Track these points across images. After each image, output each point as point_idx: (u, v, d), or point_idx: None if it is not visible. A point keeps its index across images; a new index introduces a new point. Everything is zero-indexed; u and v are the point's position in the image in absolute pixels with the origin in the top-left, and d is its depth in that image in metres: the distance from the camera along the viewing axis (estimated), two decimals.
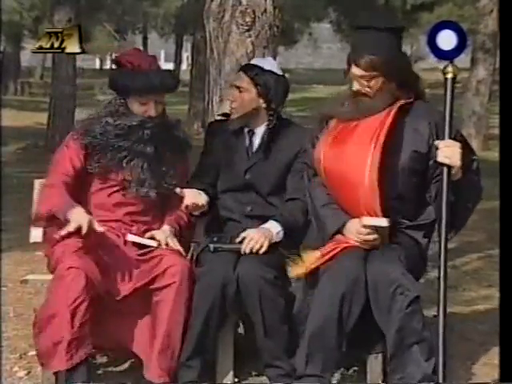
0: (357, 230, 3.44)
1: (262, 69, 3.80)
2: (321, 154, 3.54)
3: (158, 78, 3.67)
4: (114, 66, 3.76)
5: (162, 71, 3.78)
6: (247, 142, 3.86)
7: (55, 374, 3.46)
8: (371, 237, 3.43)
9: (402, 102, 3.50)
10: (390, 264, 3.36)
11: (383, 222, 3.41)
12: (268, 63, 3.86)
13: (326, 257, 3.45)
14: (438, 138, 3.46)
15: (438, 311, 3.32)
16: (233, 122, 3.84)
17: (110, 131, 3.65)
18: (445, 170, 3.35)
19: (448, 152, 3.34)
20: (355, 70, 3.48)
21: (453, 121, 3.41)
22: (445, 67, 3.40)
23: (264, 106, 3.80)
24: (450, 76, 3.39)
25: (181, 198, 3.66)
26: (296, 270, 3.52)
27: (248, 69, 3.84)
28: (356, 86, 3.50)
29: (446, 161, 3.33)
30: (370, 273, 3.37)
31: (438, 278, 3.35)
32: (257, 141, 3.86)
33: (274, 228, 3.70)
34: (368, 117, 3.48)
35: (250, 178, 3.82)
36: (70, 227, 3.42)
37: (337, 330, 3.35)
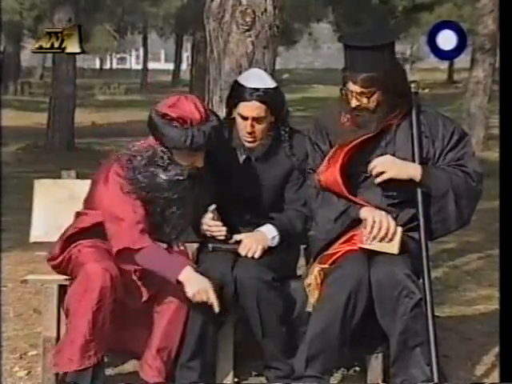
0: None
1: (269, 89, 3.65)
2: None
3: (212, 132, 3.42)
4: (159, 118, 3.43)
5: (213, 123, 3.46)
6: (245, 154, 3.77)
7: (56, 374, 3.46)
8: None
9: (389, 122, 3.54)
10: (394, 266, 3.36)
11: None
12: (268, 79, 3.72)
13: (331, 259, 3.45)
14: (432, 136, 3.53)
15: (426, 312, 3.32)
16: (253, 149, 3.72)
17: (159, 184, 3.46)
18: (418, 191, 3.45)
19: (374, 165, 3.45)
20: (354, 88, 3.46)
21: (421, 134, 3.50)
22: (410, 81, 3.54)
23: (274, 120, 3.70)
24: (412, 90, 3.51)
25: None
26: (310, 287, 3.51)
27: (262, 96, 3.62)
28: (355, 103, 3.48)
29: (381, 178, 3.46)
30: (374, 274, 3.37)
31: (423, 281, 3.36)
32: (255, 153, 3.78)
33: (269, 233, 3.68)
34: (372, 131, 3.50)
35: (248, 194, 3.77)
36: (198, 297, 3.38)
37: (339, 332, 3.35)
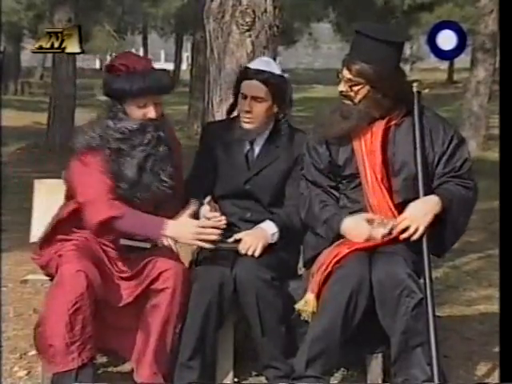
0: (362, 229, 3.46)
1: (273, 74, 3.72)
2: None
3: (154, 78, 3.54)
4: (106, 72, 3.58)
5: (158, 71, 3.61)
6: (247, 148, 3.81)
7: (54, 374, 3.47)
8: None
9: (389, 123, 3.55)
10: (395, 266, 3.36)
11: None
12: (275, 66, 3.78)
13: (331, 264, 3.44)
14: (432, 140, 3.51)
15: (427, 312, 3.31)
16: (248, 132, 3.75)
17: (110, 134, 3.54)
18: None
19: (407, 225, 3.40)
20: (345, 73, 3.51)
21: (424, 135, 3.46)
22: (412, 81, 3.51)
23: (276, 110, 3.76)
24: (414, 90, 3.48)
25: (175, 199, 3.68)
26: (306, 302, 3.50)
27: (263, 77, 3.71)
28: (341, 87, 3.53)
29: (408, 236, 3.40)
30: (375, 274, 3.36)
31: (424, 281, 3.35)
32: (257, 147, 3.81)
33: (269, 229, 3.68)
34: (357, 126, 3.51)
35: (249, 188, 3.78)
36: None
37: (340, 332, 3.34)
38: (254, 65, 3.80)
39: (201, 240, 3.42)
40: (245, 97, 3.72)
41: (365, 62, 3.44)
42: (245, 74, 3.77)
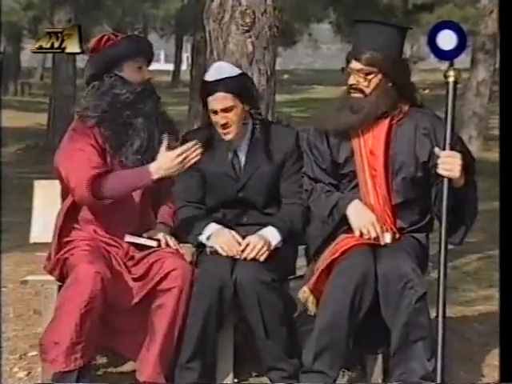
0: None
1: (231, 78, 3.64)
2: None
3: (142, 39, 3.87)
4: (94, 51, 3.67)
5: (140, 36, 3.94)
6: (231, 154, 3.75)
7: (54, 374, 3.46)
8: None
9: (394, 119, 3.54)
10: (400, 259, 3.37)
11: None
12: (229, 68, 3.71)
13: (335, 255, 3.44)
14: (437, 144, 3.46)
15: (437, 312, 3.31)
16: (232, 142, 3.70)
17: (119, 101, 3.60)
18: (445, 180, 3.34)
19: (448, 164, 3.32)
20: (355, 65, 3.50)
21: (454, 127, 3.36)
22: (447, 70, 3.39)
23: (248, 108, 3.70)
24: (451, 80, 3.37)
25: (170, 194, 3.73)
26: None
27: (225, 86, 3.62)
28: (352, 80, 3.52)
29: (446, 173, 3.33)
30: (380, 267, 3.37)
31: (438, 281, 3.34)
32: (242, 152, 3.75)
33: (272, 237, 3.65)
34: (367, 119, 3.49)
35: (243, 195, 3.75)
36: None
37: (347, 324, 3.35)
38: (210, 77, 3.68)
39: (186, 164, 3.47)
40: (215, 112, 3.65)
41: (374, 50, 3.45)
42: (206, 89, 3.68)
